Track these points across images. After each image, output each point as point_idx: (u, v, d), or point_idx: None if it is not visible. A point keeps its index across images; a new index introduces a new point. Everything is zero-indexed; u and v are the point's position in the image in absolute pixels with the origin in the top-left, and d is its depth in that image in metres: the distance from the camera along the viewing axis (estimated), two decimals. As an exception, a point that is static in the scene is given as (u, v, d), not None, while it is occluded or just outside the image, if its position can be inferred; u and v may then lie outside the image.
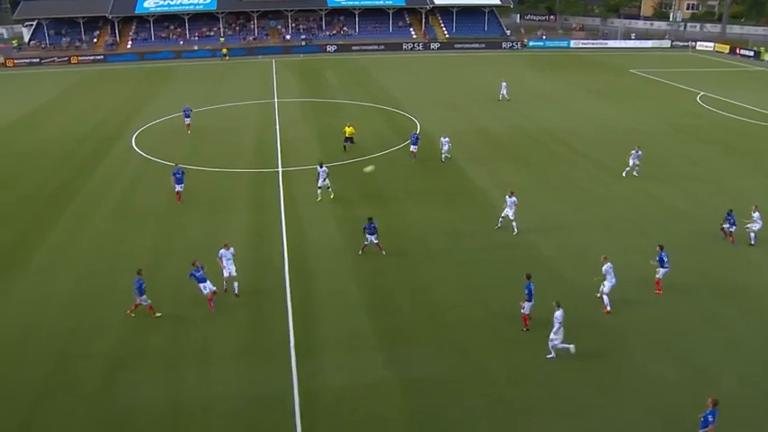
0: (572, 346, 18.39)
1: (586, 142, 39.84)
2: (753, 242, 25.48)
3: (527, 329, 19.64)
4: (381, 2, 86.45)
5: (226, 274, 21.62)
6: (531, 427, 16.06)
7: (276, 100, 52.00)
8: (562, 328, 18.30)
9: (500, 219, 26.79)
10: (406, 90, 55.71)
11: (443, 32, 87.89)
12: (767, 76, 68.82)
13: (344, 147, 37.05)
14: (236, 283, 21.72)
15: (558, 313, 18.25)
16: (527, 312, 19.70)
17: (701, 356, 18.62)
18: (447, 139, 36.04)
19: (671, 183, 32.43)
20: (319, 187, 29.78)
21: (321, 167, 29.87)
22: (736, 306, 21.22)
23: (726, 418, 15.09)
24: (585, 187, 31.74)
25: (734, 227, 25.52)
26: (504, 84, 52.28)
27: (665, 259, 21.83)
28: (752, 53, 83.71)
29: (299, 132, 42.00)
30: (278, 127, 43.32)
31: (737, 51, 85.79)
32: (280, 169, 34.45)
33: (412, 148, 36.13)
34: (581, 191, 31.34)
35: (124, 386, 17.49)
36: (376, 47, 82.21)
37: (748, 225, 25.65)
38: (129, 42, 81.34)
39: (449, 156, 35.80)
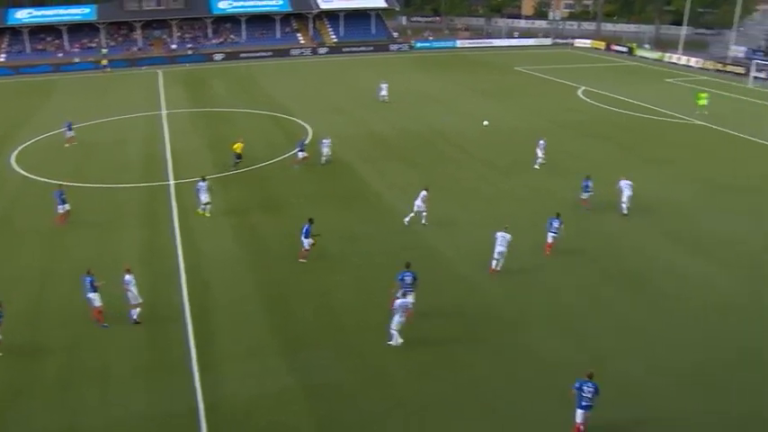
0: (395, 341, 19.42)
1: (473, 142, 41.45)
2: (625, 212, 29.03)
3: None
4: (268, 8, 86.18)
5: (133, 301, 20.92)
6: (436, 425, 16.60)
7: (164, 111, 50.97)
8: (397, 317, 19.34)
9: (410, 215, 27.87)
10: (295, 96, 55.97)
11: (331, 37, 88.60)
12: (640, 71, 73.83)
13: (235, 164, 36.26)
14: (138, 310, 21.07)
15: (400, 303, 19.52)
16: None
17: (595, 338, 20.10)
18: (327, 141, 36.57)
19: (558, 177, 34.41)
20: (205, 203, 29.07)
21: (202, 182, 29.33)
22: (623, 289, 23.00)
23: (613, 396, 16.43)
24: (473, 187, 33.02)
25: (588, 193, 29.64)
26: (383, 85, 53.52)
27: (556, 225, 24.96)
28: (625, 49, 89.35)
29: (190, 143, 41.47)
30: (167, 139, 42.57)
31: (612, 48, 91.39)
32: (171, 182, 33.95)
33: (299, 154, 36.42)
34: (469, 190, 32.59)
35: (16, 416, 16.96)
36: (264, 54, 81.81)
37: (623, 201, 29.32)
38: (3, 56, 77.07)
39: (330, 158, 36.39)
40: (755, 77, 67.47)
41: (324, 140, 36.81)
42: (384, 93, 52.91)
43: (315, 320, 21.08)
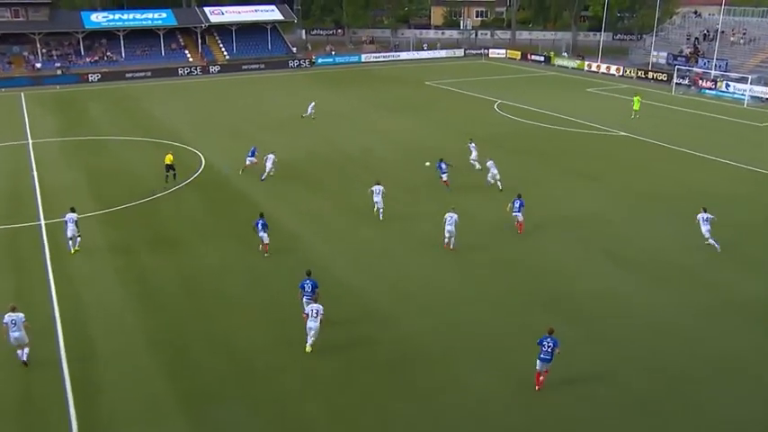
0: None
1: (384, 162, 42.00)
2: (500, 187, 35.40)
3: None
4: (149, 22, 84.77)
5: (14, 343, 20.53)
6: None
7: (30, 141, 49.09)
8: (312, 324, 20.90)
9: (378, 211, 31.76)
10: (185, 120, 55.20)
11: (223, 54, 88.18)
12: (559, 81, 77.00)
13: (167, 177, 37.67)
14: (26, 350, 20.56)
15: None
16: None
17: (525, 367, 20.56)
18: (272, 156, 38.84)
19: (475, 193, 35.29)
20: (71, 237, 28.79)
21: (71, 213, 28.98)
22: (553, 312, 23.69)
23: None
24: (387, 209, 33.35)
25: (444, 174, 36.05)
26: (311, 104, 55.20)
27: (517, 205, 30.30)
28: (542, 58, 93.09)
29: (63, 177, 40.05)
30: (35, 173, 40.97)
31: (528, 57, 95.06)
32: (42, 222, 32.63)
33: (248, 160, 39.28)
34: (383, 213, 32.90)
35: None
36: (147, 73, 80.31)
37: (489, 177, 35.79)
38: None
39: (272, 174, 38.51)
40: (678, 84, 71.63)
41: (269, 155, 38.73)
42: (310, 111, 54.58)
43: (220, 368, 20.61)
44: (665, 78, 75.55)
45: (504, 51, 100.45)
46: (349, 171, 40.60)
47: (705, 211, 29.21)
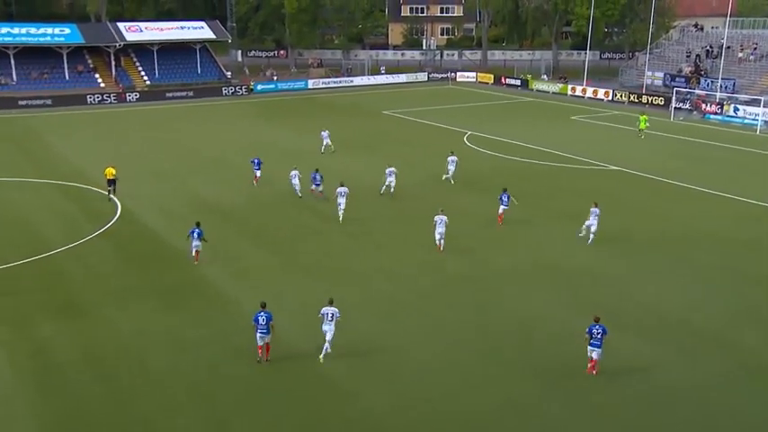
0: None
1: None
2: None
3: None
4: (48, 38, 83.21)
5: None
6: None
7: None
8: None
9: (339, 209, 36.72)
10: (96, 158, 54.11)
11: (142, 79, 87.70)
12: (539, 108, 78.18)
13: (108, 191, 41.65)
14: None
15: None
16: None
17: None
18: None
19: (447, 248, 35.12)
20: None
21: None
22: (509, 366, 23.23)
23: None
24: (342, 266, 32.94)
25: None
26: (324, 133, 56.15)
27: (505, 199, 37.26)
28: (518, 82, 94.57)
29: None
30: None
31: (503, 81, 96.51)
32: None
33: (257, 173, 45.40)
34: (338, 271, 32.50)
35: None
36: (46, 101, 78.96)
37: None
38: None
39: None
40: (678, 108, 72.89)
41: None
42: (327, 141, 55.76)
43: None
44: (663, 102, 77.07)
45: (474, 75, 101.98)
46: (294, 217, 40.09)
47: (596, 206, 35.72)
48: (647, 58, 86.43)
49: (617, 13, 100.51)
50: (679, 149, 56.96)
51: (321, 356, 24.17)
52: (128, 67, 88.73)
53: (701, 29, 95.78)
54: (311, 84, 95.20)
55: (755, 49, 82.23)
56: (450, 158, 46.51)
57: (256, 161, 46.59)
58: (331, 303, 24.76)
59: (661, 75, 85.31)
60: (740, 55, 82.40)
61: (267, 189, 45.16)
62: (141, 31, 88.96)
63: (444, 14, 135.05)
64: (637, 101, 79.99)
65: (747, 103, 71.19)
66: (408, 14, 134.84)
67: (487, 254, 34.20)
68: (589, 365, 23.55)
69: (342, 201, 38.11)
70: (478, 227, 37.82)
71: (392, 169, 42.99)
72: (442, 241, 34.13)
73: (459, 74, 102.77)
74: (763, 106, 66.96)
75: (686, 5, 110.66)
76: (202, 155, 54.76)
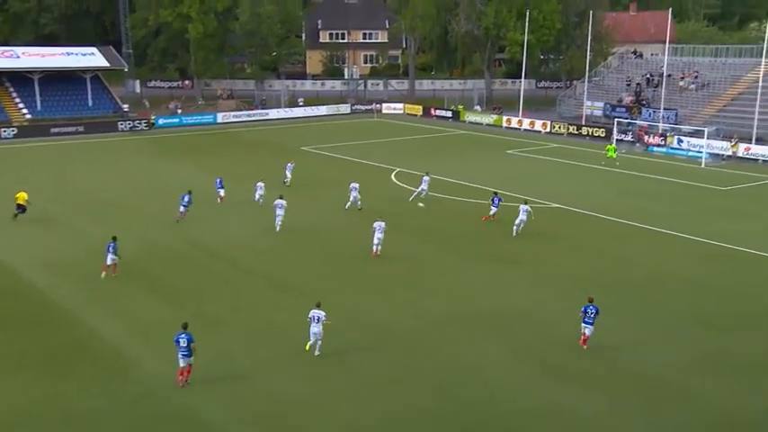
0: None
1: (253, 252, 41.18)
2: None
3: None
4: None
5: None
6: None
7: None
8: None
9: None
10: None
11: (21, 112, 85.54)
12: (472, 141, 79.26)
13: (15, 215, 44.89)
14: None
15: None
16: None
17: None
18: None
19: (377, 293, 34.90)
20: None
21: None
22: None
23: None
24: (263, 317, 32.52)
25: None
26: (290, 165, 57.77)
27: (496, 201, 45.75)
28: (450, 113, 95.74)
29: None
30: None
31: (432, 112, 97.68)
32: None
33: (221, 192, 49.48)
34: (257, 321, 32.08)
35: None
36: None
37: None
38: None
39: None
40: (619, 140, 74.72)
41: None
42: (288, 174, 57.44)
43: None
44: (604, 134, 78.89)
45: (401, 106, 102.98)
46: (203, 263, 39.54)
47: (526, 203, 44.03)
48: (586, 87, 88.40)
49: (552, 39, 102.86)
50: (623, 184, 58.08)
51: (307, 346, 28.35)
52: (3, 98, 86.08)
53: (641, 56, 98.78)
54: (221, 117, 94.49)
55: (696, 77, 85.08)
56: (425, 178, 52.02)
57: (218, 181, 52.04)
58: (318, 306, 28.28)
59: (601, 105, 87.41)
60: (681, 84, 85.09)
61: (173, 236, 44.44)
62: (18, 56, 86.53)
63: (367, 41, 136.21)
64: (576, 132, 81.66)
65: (691, 134, 73.44)
66: (328, 41, 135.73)
67: (421, 301, 34.07)
68: (582, 338, 29.19)
69: (280, 212, 43.93)
70: (410, 271, 37.83)
71: (355, 185, 49.20)
72: (379, 247, 39.20)
73: (385, 105, 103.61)
74: (707, 138, 69.18)
75: (624, 32, 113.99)
76: (94, 197, 53.60)
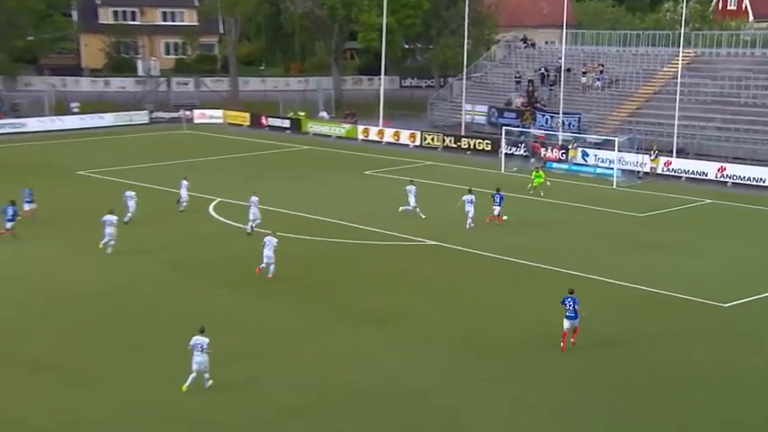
0: None
1: (10, 324, 40.19)
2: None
3: None
4: None
5: None
6: None
7: None
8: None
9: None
10: None
11: None
12: (317, 158, 79.89)
13: None
14: None
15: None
16: None
17: None
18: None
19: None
20: None
21: None
22: None
23: None
24: (13, 415, 32.04)
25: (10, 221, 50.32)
26: (184, 182, 59.06)
27: (497, 199, 53.98)
28: (287, 123, 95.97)
29: None
30: None
31: (263, 121, 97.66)
32: None
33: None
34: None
35: None
36: None
37: None
38: None
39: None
40: (509, 155, 76.17)
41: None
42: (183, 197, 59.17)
43: None
44: (490, 147, 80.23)
45: (220, 113, 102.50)
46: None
47: (470, 192, 53.95)
48: (465, 86, 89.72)
49: (419, 23, 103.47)
50: (515, 212, 58.46)
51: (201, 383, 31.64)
52: None
53: (533, 45, 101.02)
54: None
55: (602, 72, 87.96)
56: (409, 188, 57.57)
57: (27, 192, 55.12)
58: (202, 332, 31.41)
59: (484, 109, 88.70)
60: (584, 80, 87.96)
61: None
62: None
63: (169, 22, 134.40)
64: (454, 146, 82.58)
65: (598, 145, 75.42)
66: (111, 21, 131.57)
67: (265, 381, 33.81)
68: (565, 335, 35.50)
69: (110, 230, 48.85)
70: (246, 341, 37.73)
71: (255, 199, 53.38)
72: (272, 266, 44.19)
73: (197, 112, 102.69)
74: (618, 149, 71.12)
75: (510, 13, 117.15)
76: None
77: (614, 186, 69.16)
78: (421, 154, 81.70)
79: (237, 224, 54.80)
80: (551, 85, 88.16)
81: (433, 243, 52.16)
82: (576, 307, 34.90)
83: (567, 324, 35.30)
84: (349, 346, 37.29)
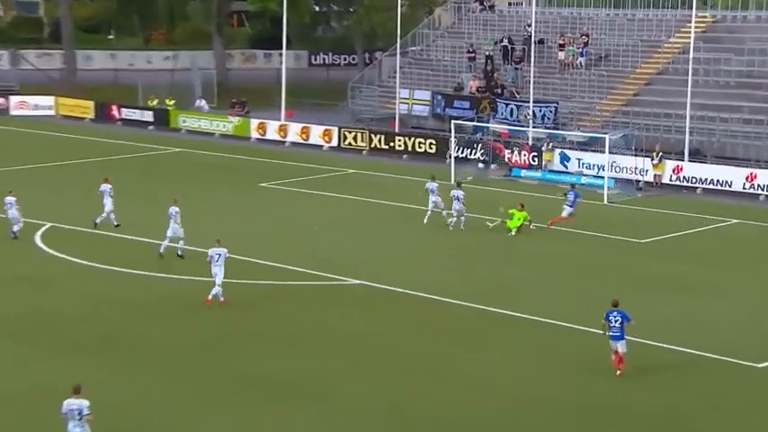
0: None
1: None
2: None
3: None
4: None
5: None
6: None
7: None
8: None
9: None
10: None
11: None
12: (193, 165, 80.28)
13: None
14: None
15: None
16: None
17: None
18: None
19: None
20: None
21: None
22: None
23: None
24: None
25: None
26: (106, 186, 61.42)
27: (571, 198, 59.33)
28: (150, 114, 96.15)
29: None
30: None
31: (114, 113, 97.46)
32: None
33: None
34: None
35: None
36: None
37: None
38: None
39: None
40: (461, 159, 76.63)
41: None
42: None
43: None
44: (434, 149, 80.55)
45: (50, 101, 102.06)
46: None
47: (459, 187, 58.93)
48: (399, 65, 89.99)
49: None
50: (470, 241, 59.22)
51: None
52: None
53: (491, 7, 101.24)
54: None
55: (586, 44, 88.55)
56: (431, 185, 60.78)
57: None
58: (77, 393, 30.99)
59: (426, 96, 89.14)
60: (561, 56, 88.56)
61: None
62: None
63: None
64: (386, 147, 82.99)
65: (583, 145, 75.89)
66: None
67: None
68: (613, 359, 37.75)
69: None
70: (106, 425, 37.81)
71: (174, 210, 57.11)
72: (220, 290, 47.82)
73: (14, 100, 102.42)
74: (610, 151, 71.42)
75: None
76: None
77: (605, 202, 69.82)
78: (339, 159, 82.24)
79: (78, 259, 54.47)
80: (517, 63, 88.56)
81: (358, 282, 52.29)
82: (624, 322, 37.34)
83: (613, 345, 37.81)
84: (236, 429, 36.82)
